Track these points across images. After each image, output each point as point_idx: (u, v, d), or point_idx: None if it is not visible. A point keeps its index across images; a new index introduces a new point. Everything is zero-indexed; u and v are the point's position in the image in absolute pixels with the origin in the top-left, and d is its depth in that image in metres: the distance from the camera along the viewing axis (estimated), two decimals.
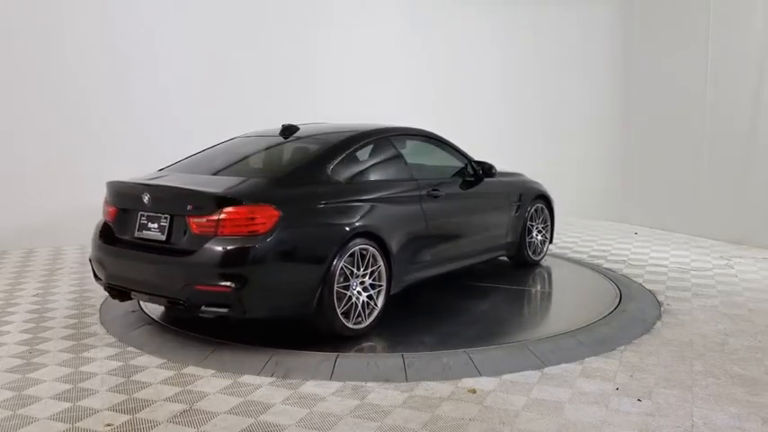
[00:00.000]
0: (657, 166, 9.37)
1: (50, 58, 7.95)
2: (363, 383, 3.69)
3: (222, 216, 3.98)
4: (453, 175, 5.61)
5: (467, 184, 5.63)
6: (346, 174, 4.68)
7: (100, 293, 5.72)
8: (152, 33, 8.50)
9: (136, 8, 8.39)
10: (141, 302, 5.28)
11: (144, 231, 4.36)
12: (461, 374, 3.80)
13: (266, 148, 5.25)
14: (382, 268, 4.55)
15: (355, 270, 4.36)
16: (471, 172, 5.74)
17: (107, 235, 4.58)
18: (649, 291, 5.72)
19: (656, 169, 9.40)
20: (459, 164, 5.74)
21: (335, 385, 3.68)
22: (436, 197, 5.21)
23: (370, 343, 4.32)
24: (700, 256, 7.24)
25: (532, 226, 6.58)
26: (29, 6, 7.80)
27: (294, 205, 4.19)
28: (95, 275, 4.71)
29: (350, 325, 4.32)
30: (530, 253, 6.55)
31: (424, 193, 5.11)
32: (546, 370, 3.90)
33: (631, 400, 3.46)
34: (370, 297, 4.46)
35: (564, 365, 3.96)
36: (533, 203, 6.57)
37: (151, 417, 3.29)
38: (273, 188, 4.26)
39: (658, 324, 4.80)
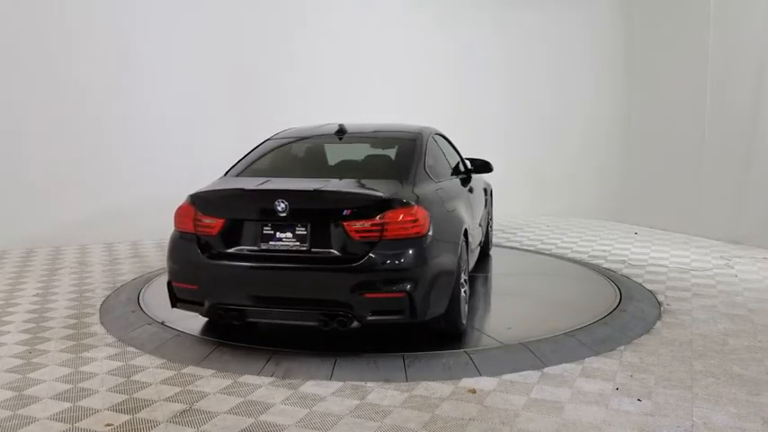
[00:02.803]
0: (657, 166, 9.37)
1: (54, 62, 7.96)
2: (363, 383, 3.69)
3: (386, 219, 3.87)
4: (456, 171, 5.67)
5: (466, 180, 5.69)
6: (432, 172, 4.74)
7: (100, 293, 5.73)
8: (157, 38, 8.52)
9: (143, 13, 8.39)
10: (141, 302, 5.29)
11: (273, 242, 3.97)
12: (461, 374, 3.80)
13: (344, 149, 5.15)
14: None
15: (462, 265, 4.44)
16: (463, 168, 5.82)
17: (210, 251, 4.05)
18: (649, 291, 5.72)
19: (656, 169, 9.40)
20: (457, 159, 5.85)
21: (335, 385, 3.68)
22: (471, 191, 5.52)
23: (369, 343, 4.32)
24: (700, 256, 7.24)
25: (491, 219, 6.94)
26: (43, 14, 7.81)
27: (431, 205, 4.17)
28: (178, 300, 4.20)
29: (464, 320, 4.36)
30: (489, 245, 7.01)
31: (466, 188, 5.38)
32: (546, 370, 3.90)
33: (631, 400, 3.46)
34: (464, 291, 4.53)
35: (564, 365, 3.96)
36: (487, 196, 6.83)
37: (151, 417, 3.29)
38: (411, 189, 4.21)
39: (658, 324, 4.79)
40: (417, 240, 3.90)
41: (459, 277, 4.28)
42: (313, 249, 3.93)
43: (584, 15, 10.30)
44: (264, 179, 4.39)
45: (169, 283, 4.23)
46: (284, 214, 3.92)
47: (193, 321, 4.68)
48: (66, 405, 3.43)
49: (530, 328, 4.56)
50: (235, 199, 4.21)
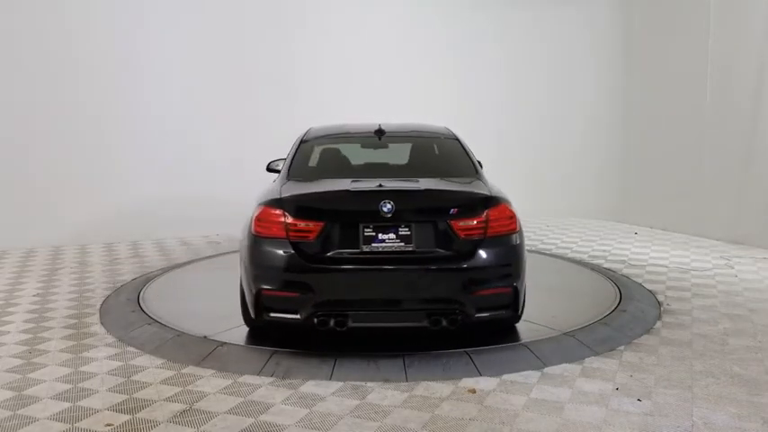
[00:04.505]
0: (657, 166, 9.37)
1: (54, 62, 7.97)
2: (363, 383, 3.69)
3: (490, 217, 3.97)
4: None
5: None
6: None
7: (100, 293, 5.73)
8: (157, 38, 8.52)
9: (143, 13, 8.39)
10: (141, 302, 5.29)
11: (375, 244, 3.91)
12: (461, 374, 3.80)
13: (389, 149, 5.14)
14: None
15: None
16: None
17: (308, 257, 3.91)
18: (649, 291, 5.72)
19: (656, 169, 9.40)
20: None
21: (335, 385, 3.68)
22: None
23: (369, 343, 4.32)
24: (700, 256, 7.24)
25: None
26: (43, 14, 7.81)
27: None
28: (269, 311, 3.97)
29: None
30: None
31: None
32: (546, 370, 3.90)
33: (631, 400, 3.46)
34: None
35: (564, 365, 3.96)
36: None
37: (151, 417, 3.29)
38: (488, 186, 4.32)
39: (658, 324, 4.79)
40: (514, 236, 4.08)
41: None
42: (418, 249, 3.92)
43: (584, 15, 10.29)
44: (346, 181, 4.24)
45: (257, 294, 3.96)
46: (389, 215, 3.90)
47: (193, 321, 4.69)
48: (66, 405, 3.43)
49: (530, 327, 4.56)
50: (336, 201, 4.08)
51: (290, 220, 3.93)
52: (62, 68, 8.03)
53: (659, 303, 5.33)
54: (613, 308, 5.07)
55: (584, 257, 7.20)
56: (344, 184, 4.15)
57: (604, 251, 7.59)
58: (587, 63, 10.34)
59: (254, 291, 3.99)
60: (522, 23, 10.41)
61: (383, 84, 9.71)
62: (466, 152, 4.86)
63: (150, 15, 8.48)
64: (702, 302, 5.37)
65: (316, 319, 3.89)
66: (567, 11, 10.33)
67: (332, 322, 3.89)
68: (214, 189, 8.68)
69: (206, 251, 7.72)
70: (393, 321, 4.06)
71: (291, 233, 3.92)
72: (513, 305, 4.04)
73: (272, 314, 3.97)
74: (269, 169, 5.83)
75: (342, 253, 3.92)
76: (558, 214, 10.16)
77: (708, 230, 8.36)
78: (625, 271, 6.51)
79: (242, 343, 4.26)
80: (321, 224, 3.90)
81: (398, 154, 5.14)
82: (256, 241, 4.02)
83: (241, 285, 4.38)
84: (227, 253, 7.61)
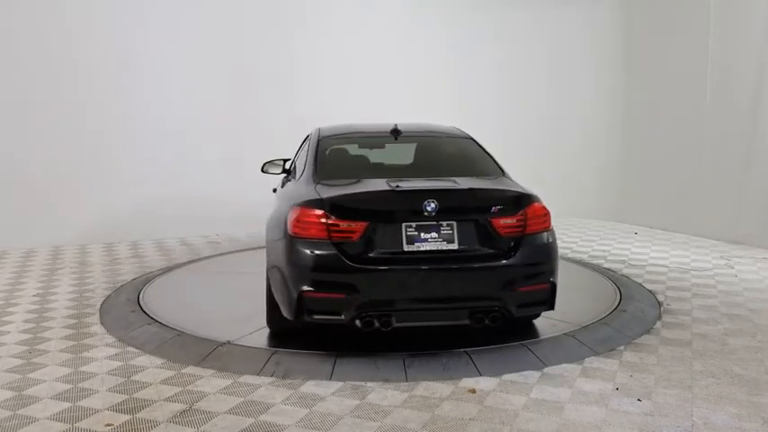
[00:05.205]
0: (657, 166, 9.37)
1: (54, 62, 7.97)
2: (363, 383, 3.69)
3: (528, 214, 4.07)
4: None
5: None
6: None
7: (100, 293, 5.73)
8: (157, 38, 8.52)
9: (143, 13, 8.39)
10: (141, 302, 5.29)
11: (418, 243, 3.92)
12: (461, 374, 3.80)
13: (409, 149, 5.10)
14: None
15: None
16: None
17: (352, 258, 3.85)
18: (649, 291, 5.72)
19: (656, 169, 9.40)
20: None
21: (335, 385, 3.68)
22: None
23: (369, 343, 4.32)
24: (700, 256, 7.24)
25: None
26: (43, 14, 7.81)
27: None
28: (312, 313, 3.88)
29: None
30: None
31: None
32: (546, 370, 3.90)
33: (631, 400, 3.46)
34: None
35: (564, 365, 3.96)
36: None
37: (151, 417, 3.29)
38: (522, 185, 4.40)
39: (658, 324, 4.79)
40: (549, 233, 4.21)
41: None
42: (461, 248, 3.96)
43: (584, 15, 10.29)
44: (380, 181, 4.21)
45: (299, 296, 3.85)
46: (432, 214, 3.91)
47: (192, 322, 4.69)
48: (66, 405, 3.43)
49: (530, 327, 4.56)
50: (379, 201, 4.03)
51: (331, 220, 3.87)
52: (62, 68, 8.03)
53: (659, 303, 5.33)
54: (613, 308, 5.07)
55: (584, 257, 7.20)
56: (381, 184, 4.12)
57: (604, 251, 7.59)
58: (587, 63, 10.33)
59: (295, 293, 3.88)
60: (522, 23, 10.40)
61: (383, 84, 9.70)
62: (485, 151, 4.94)
63: (150, 15, 8.48)
64: (702, 302, 5.37)
65: (359, 321, 3.86)
66: (567, 11, 10.32)
67: (377, 323, 3.87)
68: (214, 189, 8.68)
69: (206, 251, 7.72)
70: (436, 320, 4.11)
71: (334, 234, 3.87)
72: (550, 301, 4.13)
73: (315, 316, 3.90)
74: (264, 170, 5.82)
75: (385, 253, 3.90)
76: (558, 214, 10.09)
77: (708, 230, 8.36)
78: (625, 271, 6.51)
79: (240, 343, 4.26)
80: (364, 224, 3.87)
81: (427, 153, 5.11)
82: (295, 243, 3.92)
83: (268, 288, 4.31)
84: (228, 253, 7.62)
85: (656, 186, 9.40)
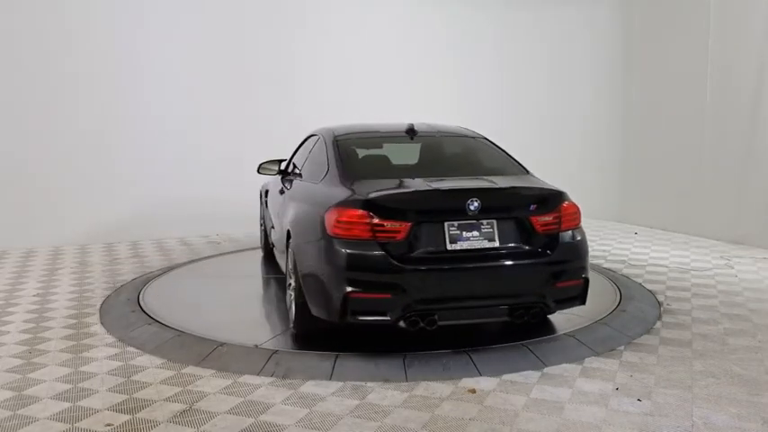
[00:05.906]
0: (657, 166, 9.37)
1: (54, 62, 7.97)
2: (363, 383, 3.69)
3: (563, 212, 4.18)
4: None
5: None
6: None
7: (100, 293, 5.73)
8: (157, 38, 8.52)
9: (143, 13, 8.39)
10: (141, 302, 5.29)
11: (460, 242, 3.95)
12: (461, 374, 3.80)
13: (426, 148, 5.12)
14: None
15: None
16: None
17: (398, 258, 3.84)
18: (649, 291, 5.72)
19: (656, 169, 9.40)
20: None
21: (335, 385, 3.68)
22: None
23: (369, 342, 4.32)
24: (700, 256, 7.24)
25: None
26: (43, 14, 7.81)
27: None
28: (357, 314, 3.85)
29: None
30: None
31: None
32: (546, 370, 3.90)
33: (631, 400, 3.46)
34: None
35: (564, 365, 3.96)
36: None
37: (151, 417, 3.29)
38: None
39: (658, 324, 4.79)
40: (580, 230, 4.31)
41: None
42: (502, 245, 4.03)
43: (584, 15, 10.29)
44: (418, 180, 4.24)
45: (345, 298, 3.81)
46: (476, 213, 3.97)
47: (193, 321, 4.69)
48: (66, 405, 3.43)
49: (530, 327, 4.55)
50: (423, 201, 4.04)
51: (376, 220, 3.85)
52: (62, 68, 8.03)
53: (659, 303, 5.33)
54: (613, 308, 5.07)
55: None
56: (421, 184, 4.16)
57: (604, 251, 7.59)
58: (587, 63, 10.33)
59: (339, 294, 3.83)
60: (522, 23, 10.41)
61: (383, 84, 9.71)
62: (503, 151, 5.01)
63: (150, 15, 8.48)
64: (702, 302, 5.37)
65: (404, 321, 3.87)
66: (567, 11, 10.32)
67: (423, 322, 3.89)
68: (214, 189, 8.68)
69: (206, 251, 7.72)
70: (477, 318, 4.17)
71: (378, 234, 3.84)
72: (583, 295, 4.25)
73: (361, 317, 3.87)
74: (260, 171, 5.81)
75: (429, 252, 3.93)
76: None
77: (708, 230, 8.36)
78: (625, 271, 6.51)
79: (240, 342, 4.26)
80: (409, 224, 3.87)
81: (447, 152, 5.14)
82: (337, 244, 3.87)
83: (300, 288, 4.25)
84: (228, 253, 7.62)
85: (656, 186, 9.40)
